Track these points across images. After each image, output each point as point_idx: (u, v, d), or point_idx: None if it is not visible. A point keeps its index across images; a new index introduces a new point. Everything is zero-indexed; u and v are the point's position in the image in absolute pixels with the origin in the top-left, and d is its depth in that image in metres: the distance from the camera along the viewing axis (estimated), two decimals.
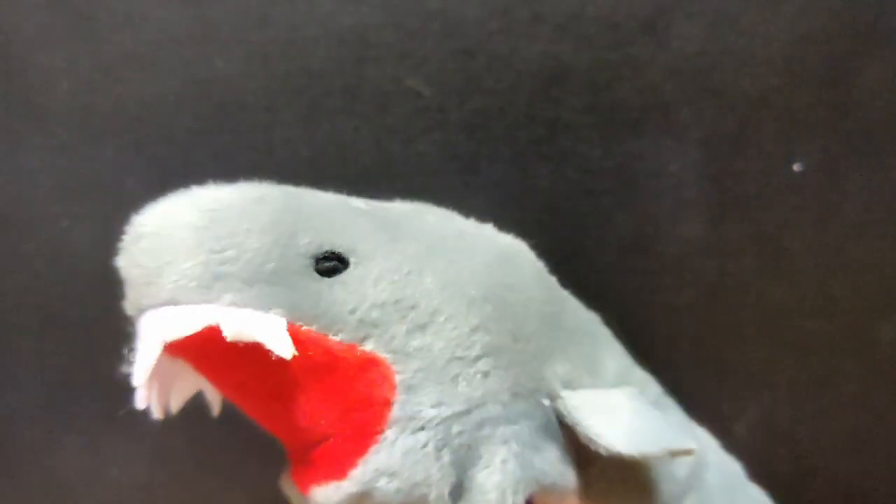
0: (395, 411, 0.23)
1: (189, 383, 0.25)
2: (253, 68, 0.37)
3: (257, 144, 0.37)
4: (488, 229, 0.29)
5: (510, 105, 0.37)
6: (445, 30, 0.36)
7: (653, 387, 0.31)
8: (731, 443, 0.33)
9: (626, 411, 0.26)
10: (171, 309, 0.22)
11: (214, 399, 0.27)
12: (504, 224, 0.29)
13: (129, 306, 0.23)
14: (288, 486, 0.27)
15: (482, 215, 0.28)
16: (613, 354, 0.30)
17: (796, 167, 0.37)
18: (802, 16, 0.36)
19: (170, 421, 0.27)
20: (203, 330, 0.22)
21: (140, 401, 0.23)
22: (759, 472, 0.34)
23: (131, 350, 0.23)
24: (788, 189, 0.38)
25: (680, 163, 0.37)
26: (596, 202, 0.38)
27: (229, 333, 0.21)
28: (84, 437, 0.41)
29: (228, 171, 0.38)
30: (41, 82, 0.37)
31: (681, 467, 0.30)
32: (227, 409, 0.27)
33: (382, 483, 0.23)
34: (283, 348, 0.22)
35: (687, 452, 0.26)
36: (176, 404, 0.25)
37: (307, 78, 0.37)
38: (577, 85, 0.37)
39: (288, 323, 0.22)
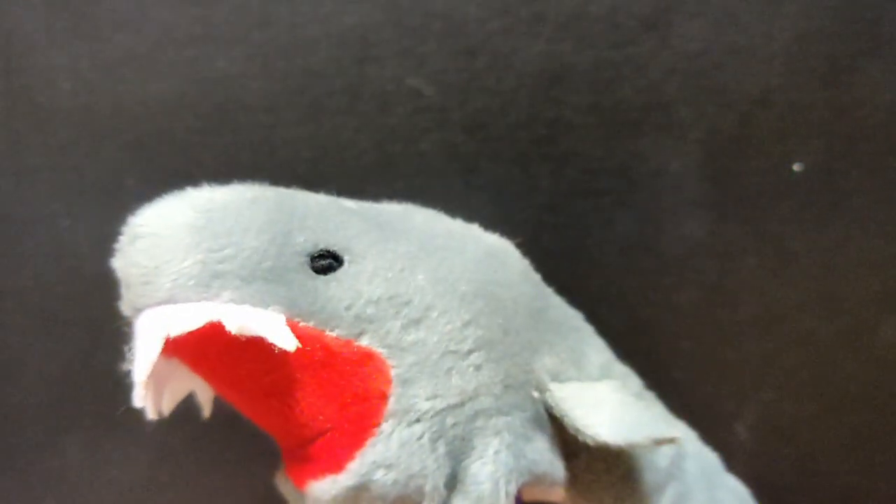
0: (391, 404, 0.24)
1: (182, 384, 0.25)
2: (254, 68, 0.37)
3: (258, 144, 0.37)
4: (475, 228, 0.29)
5: (511, 105, 0.37)
6: (446, 29, 0.36)
7: (634, 380, 0.32)
8: (732, 442, 0.33)
9: (611, 403, 0.27)
10: (169, 307, 0.22)
11: (206, 401, 0.27)
12: (505, 224, 0.29)
13: (125, 306, 0.23)
14: (283, 482, 0.27)
15: (483, 215, 0.28)
16: (597, 349, 0.31)
17: (796, 167, 0.37)
18: (803, 15, 0.36)
19: (170, 421, 0.27)
20: (203, 326, 0.22)
21: (138, 399, 0.23)
22: (760, 471, 0.34)
23: (130, 349, 0.23)
24: (789, 189, 0.38)
25: (681, 162, 0.37)
26: (597, 202, 0.38)
27: (233, 327, 0.22)
28: (84, 437, 0.41)
29: (229, 171, 0.39)
30: (41, 82, 0.37)
31: (662, 457, 0.30)
32: (226, 409, 0.27)
33: (379, 475, 0.23)
34: (286, 341, 0.22)
35: (670, 441, 0.27)
36: (168, 406, 0.25)
37: (308, 78, 0.37)
38: (579, 85, 0.37)
39: (286, 319, 0.23)
